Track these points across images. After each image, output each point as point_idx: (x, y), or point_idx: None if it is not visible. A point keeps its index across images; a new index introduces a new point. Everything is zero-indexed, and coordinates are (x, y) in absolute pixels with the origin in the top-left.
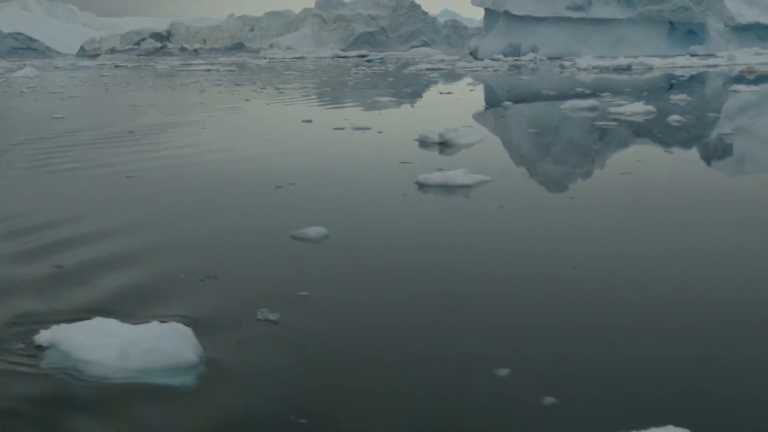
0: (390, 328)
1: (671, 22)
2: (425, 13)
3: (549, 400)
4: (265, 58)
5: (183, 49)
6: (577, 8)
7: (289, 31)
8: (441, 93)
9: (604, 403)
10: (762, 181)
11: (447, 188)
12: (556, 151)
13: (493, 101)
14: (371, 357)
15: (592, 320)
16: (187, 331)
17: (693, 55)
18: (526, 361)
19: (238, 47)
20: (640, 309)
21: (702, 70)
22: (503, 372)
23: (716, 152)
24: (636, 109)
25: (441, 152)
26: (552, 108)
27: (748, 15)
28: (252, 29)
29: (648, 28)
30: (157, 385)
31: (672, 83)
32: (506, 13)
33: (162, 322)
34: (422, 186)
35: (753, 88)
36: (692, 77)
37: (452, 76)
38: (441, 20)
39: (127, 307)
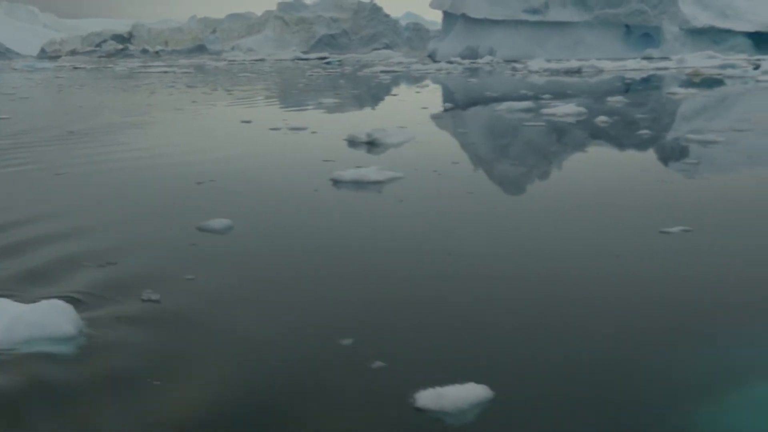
0: (263, 305)
1: (627, 26)
2: (387, 16)
3: (378, 363)
4: (225, 60)
5: (144, 51)
6: (534, 11)
7: (250, 33)
8: (387, 95)
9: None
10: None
11: (359, 184)
12: (477, 149)
13: (434, 103)
14: (236, 330)
15: (445, 296)
16: (68, 308)
17: (648, 58)
18: (368, 330)
19: (200, 49)
20: (495, 282)
21: (651, 72)
22: (347, 342)
23: (625, 150)
24: (568, 110)
25: (369, 151)
26: (488, 110)
27: (703, 18)
28: (214, 31)
29: (604, 32)
30: (39, 353)
31: (623, 85)
32: (464, 16)
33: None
34: (336, 182)
35: (690, 90)
36: (640, 80)
37: (405, 78)
38: (403, 23)
39: (23, 288)
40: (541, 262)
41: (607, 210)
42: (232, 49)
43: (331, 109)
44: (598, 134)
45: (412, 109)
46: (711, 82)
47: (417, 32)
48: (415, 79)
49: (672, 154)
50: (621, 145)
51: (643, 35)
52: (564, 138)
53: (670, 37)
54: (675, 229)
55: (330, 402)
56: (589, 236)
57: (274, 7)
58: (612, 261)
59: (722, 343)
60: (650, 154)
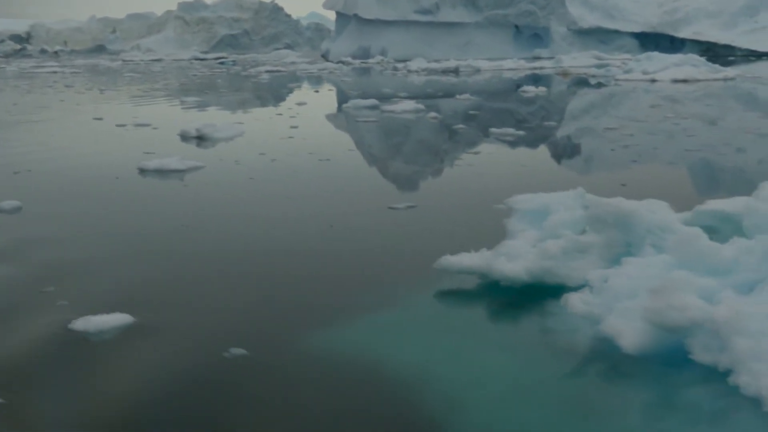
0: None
1: (517, 26)
2: (288, 16)
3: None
4: (123, 60)
5: (43, 51)
6: (425, 12)
7: (151, 33)
8: (253, 94)
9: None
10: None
11: (161, 172)
12: (292, 143)
13: (291, 100)
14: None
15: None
16: None
17: (537, 57)
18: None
19: (100, 49)
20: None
21: (528, 72)
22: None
23: (417, 141)
24: (406, 107)
25: (198, 145)
26: (330, 105)
27: (590, 19)
28: (113, 31)
29: (495, 32)
30: None
31: (486, 84)
32: (356, 16)
33: None
34: (142, 171)
35: (541, 88)
36: (508, 79)
37: (285, 78)
38: (306, 23)
39: None
40: (282, 232)
41: (357, 189)
42: (132, 49)
43: (187, 107)
44: (413, 128)
45: (264, 105)
46: (576, 82)
47: (318, 32)
48: (295, 79)
49: (457, 145)
50: (422, 137)
51: (532, 36)
52: (378, 131)
53: (558, 37)
54: (400, 205)
55: None
56: (333, 212)
57: (174, 7)
58: (335, 230)
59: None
60: (436, 144)
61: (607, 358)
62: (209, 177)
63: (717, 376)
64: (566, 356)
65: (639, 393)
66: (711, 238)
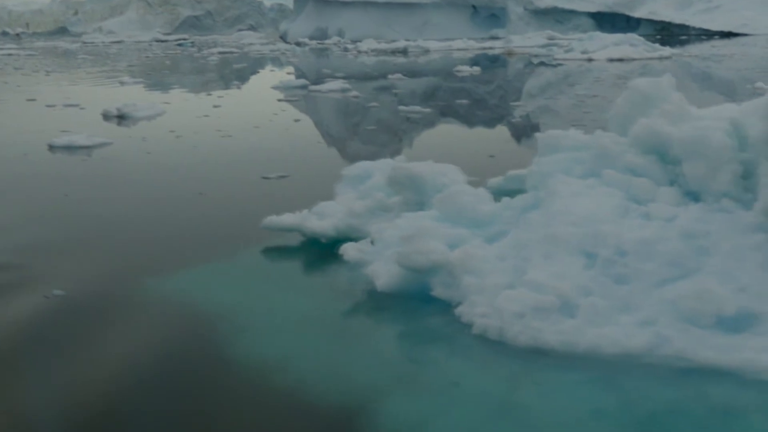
0: None
1: (474, 7)
2: None
3: None
4: (83, 43)
5: (5, 33)
6: None
7: (114, 14)
8: (193, 75)
9: None
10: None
11: (70, 149)
12: (208, 121)
13: (227, 80)
14: None
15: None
16: None
17: (494, 38)
18: None
19: (62, 32)
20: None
21: (477, 52)
22: None
23: (336, 119)
24: (333, 86)
25: (118, 123)
26: (264, 86)
27: None
28: (75, 13)
29: (452, 13)
30: None
31: (427, 64)
32: None
33: None
34: (51, 147)
35: (475, 68)
36: (451, 59)
37: (234, 59)
38: (268, 4)
39: None
40: (155, 198)
41: (243, 161)
42: (94, 31)
43: (121, 88)
44: (327, 106)
45: (195, 85)
46: (516, 61)
47: (282, 13)
48: (242, 60)
49: (359, 121)
50: (330, 114)
51: (489, 16)
52: (292, 110)
53: (515, 17)
54: (273, 175)
55: None
56: (211, 181)
57: None
58: (202, 197)
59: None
60: (340, 121)
61: (366, 296)
62: (112, 152)
63: (448, 308)
64: (337, 295)
65: (386, 323)
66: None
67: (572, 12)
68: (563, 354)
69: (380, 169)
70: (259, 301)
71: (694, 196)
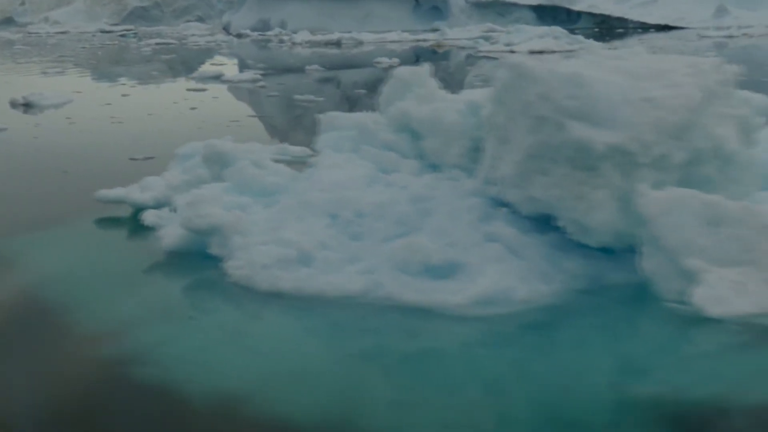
0: None
1: None
2: None
3: None
4: (28, 33)
5: None
6: None
7: (61, 5)
8: (121, 65)
9: None
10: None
11: None
12: (108, 109)
13: (149, 70)
14: None
15: None
16: None
17: (436, 30)
18: None
19: (8, 22)
20: None
21: (411, 44)
22: None
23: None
24: (245, 77)
25: (24, 111)
26: (181, 77)
27: None
28: (23, 3)
29: (395, 4)
30: None
31: (353, 56)
32: None
33: None
34: None
35: (394, 60)
36: (381, 51)
37: (168, 50)
38: None
39: None
40: (22, 175)
41: (119, 144)
42: (40, 21)
43: (39, 78)
44: (229, 95)
45: (117, 76)
46: (441, 54)
47: (230, 5)
48: (175, 51)
49: (250, 108)
50: (229, 102)
51: (431, 8)
52: (193, 98)
53: (457, 10)
54: (140, 156)
55: None
56: (81, 161)
57: None
58: (66, 175)
59: None
60: (234, 108)
61: (154, 254)
62: (2, 137)
63: (219, 263)
64: (131, 253)
65: (163, 275)
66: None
67: (514, 5)
68: (295, 297)
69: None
70: (76, 256)
71: (434, 168)
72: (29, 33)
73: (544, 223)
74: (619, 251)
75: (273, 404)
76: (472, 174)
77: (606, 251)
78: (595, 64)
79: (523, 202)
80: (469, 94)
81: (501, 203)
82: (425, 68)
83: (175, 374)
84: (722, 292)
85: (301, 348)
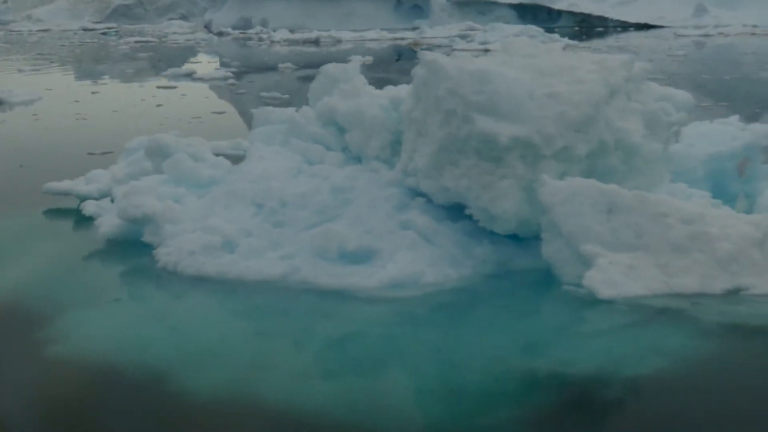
0: None
1: None
2: None
3: None
4: (10, 31)
5: None
6: None
7: (44, 3)
8: (98, 63)
9: None
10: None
11: None
12: (76, 107)
13: (123, 68)
14: None
15: None
16: None
17: (417, 29)
18: None
19: None
20: None
21: (390, 42)
22: None
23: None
24: (216, 75)
25: None
26: (154, 74)
27: None
28: (5, 1)
29: (376, 3)
30: None
31: (329, 54)
32: None
33: None
34: None
35: (367, 58)
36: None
37: (146, 48)
38: None
39: None
40: None
41: (80, 140)
42: (22, 19)
43: (13, 75)
44: (197, 92)
45: (85, 74)
46: (416, 52)
47: (213, 2)
48: (153, 49)
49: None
50: (198, 99)
51: (413, 7)
52: (161, 95)
53: (438, 8)
54: (98, 151)
55: None
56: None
57: None
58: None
59: None
60: (199, 104)
61: (91, 243)
62: None
63: (150, 250)
64: (70, 242)
65: (97, 261)
66: None
67: (494, 3)
68: (218, 281)
69: None
70: (10, 247)
71: (357, 160)
72: (11, 31)
73: (457, 211)
74: (527, 238)
75: (186, 377)
76: (392, 166)
77: (514, 238)
78: (506, 61)
79: (436, 192)
80: (392, 90)
81: (418, 193)
82: (353, 64)
83: (96, 350)
84: (614, 276)
85: (218, 327)
